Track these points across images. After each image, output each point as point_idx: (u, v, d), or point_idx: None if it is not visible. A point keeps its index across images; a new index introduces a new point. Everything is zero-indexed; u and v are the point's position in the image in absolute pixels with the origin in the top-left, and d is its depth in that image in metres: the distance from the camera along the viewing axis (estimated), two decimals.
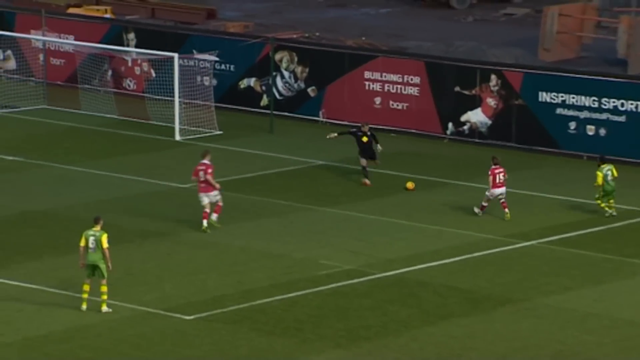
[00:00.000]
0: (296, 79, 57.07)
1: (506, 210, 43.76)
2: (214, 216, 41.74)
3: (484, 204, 43.97)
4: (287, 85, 57.06)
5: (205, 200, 41.80)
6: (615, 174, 43.69)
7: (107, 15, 64.95)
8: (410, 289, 36.93)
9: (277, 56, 57.17)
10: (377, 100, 55.44)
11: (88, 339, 32.87)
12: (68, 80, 59.91)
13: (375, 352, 32.13)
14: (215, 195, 41.81)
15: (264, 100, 56.81)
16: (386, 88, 55.36)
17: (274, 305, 35.37)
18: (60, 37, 60.59)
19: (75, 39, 60.25)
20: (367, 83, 55.79)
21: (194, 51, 57.12)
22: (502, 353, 32.26)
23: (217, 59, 57.06)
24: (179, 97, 53.64)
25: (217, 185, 41.75)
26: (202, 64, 56.57)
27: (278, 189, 47.00)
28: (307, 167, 49.19)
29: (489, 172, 43.94)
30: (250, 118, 55.95)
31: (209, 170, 41.73)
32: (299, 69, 57.08)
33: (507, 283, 37.90)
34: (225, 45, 58.34)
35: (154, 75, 58.02)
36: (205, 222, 41.38)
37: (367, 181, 47.60)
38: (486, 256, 40.22)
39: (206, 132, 53.42)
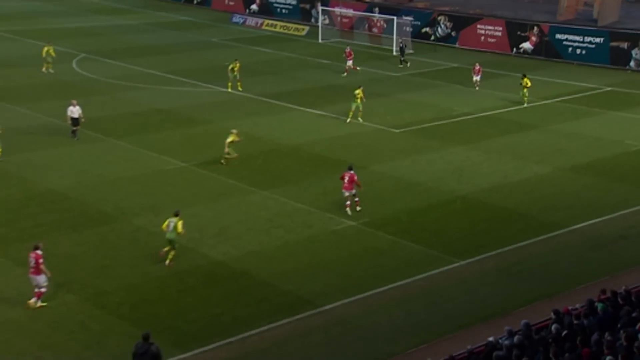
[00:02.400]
0: (447, 28, 55.43)
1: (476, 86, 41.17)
2: None
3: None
4: (443, 30, 55.51)
5: None
6: (529, 83, 38.01)
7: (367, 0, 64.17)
8: None
9: (439, 17, 55.64)
10: (482, 37, 53.54)
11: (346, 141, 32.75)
12: (349, 28, 59.58)
13: None
14: None
15: (432, 37, 55.60)
16: (486, 32, 53.44)
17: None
18: (347, 9, 60.20)
19: (353, 10, 59.76)
20: (478, 29, 53.77)
21: (403, 16, 56.03)
22: None
23: (411, 19, 56.06)
24: (396, 35, 52.74)
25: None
26: (405, 22, 55.46)
27: (439, 75, 45.78)
28: (447, 68, 47.86)
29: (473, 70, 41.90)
30: (425, 45, 54.91)
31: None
32: (448, 23, 55.40)
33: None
34: (415, 13, 57.00)
35: (385, 26, 57.21)
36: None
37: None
38: (534, 107, 38.76)
39: (406, 52, 52.40)
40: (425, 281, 20.16)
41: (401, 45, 49.13)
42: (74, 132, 31.10)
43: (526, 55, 51.40)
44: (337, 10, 60.43)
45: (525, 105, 38.01)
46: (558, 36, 50.41)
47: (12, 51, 49.76)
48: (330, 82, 43.81)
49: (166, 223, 20.72)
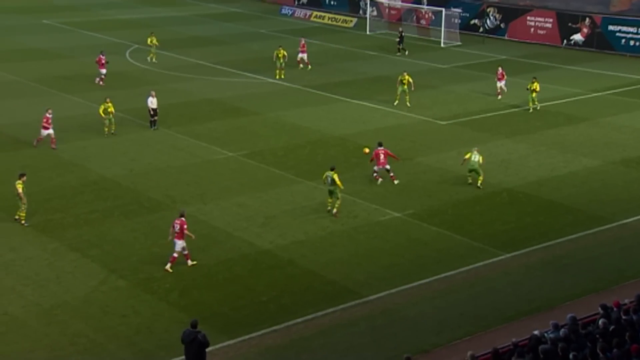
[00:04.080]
0: (496, 19, 54.76)
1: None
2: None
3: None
4: (492, 22, 54.99)
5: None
6: (538, 88, 34.67)
7: None
8: None
9: (488, 9, 54.98)
10: (532, 29, 52.72)
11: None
12: (397, 20, 59.19)
13: None
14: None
15: (481, 29, 55.04)
16: (536, 24, 52.62)
17: None
18: (395, 1, 59.84)
19: (401, 1, 59.38)
20: (528, 21, 53.03)
21: (452, 7, 55.42)
22: None
23: (460, 10, 55.48)
24: (444, 27, 52.32)
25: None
26: (454, 13, 54.91)
27: (487, 67, 45.29)
28: (495, 60, 47.30)
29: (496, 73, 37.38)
30: (474, 37, 54.30)
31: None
32: (497, 15, 54.71)
33: None
34: (464, 5, 56.34)
35: (433, 17, 56.72)
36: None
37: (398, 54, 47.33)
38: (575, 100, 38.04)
39: (454, 43, 52.02)
40: (470, 273, 19.96)
41: (401, 33, 49.00)
42: (153, 122, 31.72)
43: (577, 47, 50.50)
44: (385, 1, 60.07)
45: (531, 110, 34.87)
46: (611, 27, 49.33)
47: (67, 42, 50.76)
48: (377, 73, 43.59)
49: (324, 176, 23.36)
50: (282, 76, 40.95)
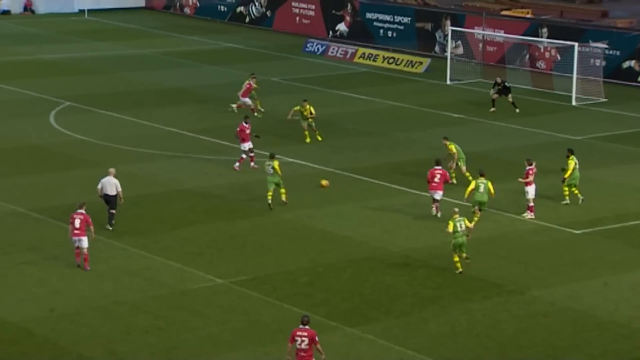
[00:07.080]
0: None
1: None
2: None
3: None
4: None
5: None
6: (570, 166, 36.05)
7: (528, 15, 64.82)
8: None
9: None
10: None
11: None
12: (498, 62, 60.16)
13: None
14: None
15: None
16: None
17: None
18: (494, 31, 61.06)
19: (504, 32, 60.56)
20: None
21: (590, 41, 56.34)
22: None
23: (606, 46, 56.29)
24: (577, 74, 52.95)
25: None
26: (595, 50, 55.75)
27: None
28: None
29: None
30: (629, 90, 54.79)
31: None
32: None
33: None
34: (614, 37, 57.31)
35: (559, 58, 57.57)
36: None
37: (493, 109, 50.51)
38: None
39: (595, 100, 52.45)
40: None
41: (503, 82, 50.59)
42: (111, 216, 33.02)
43: None
44: (478, 32, 61.15)
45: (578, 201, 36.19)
46: None
47: None
48: (465, 148, 43.90)
49: (472, 185, 33.72)
50: (319, 137, 44.44)
